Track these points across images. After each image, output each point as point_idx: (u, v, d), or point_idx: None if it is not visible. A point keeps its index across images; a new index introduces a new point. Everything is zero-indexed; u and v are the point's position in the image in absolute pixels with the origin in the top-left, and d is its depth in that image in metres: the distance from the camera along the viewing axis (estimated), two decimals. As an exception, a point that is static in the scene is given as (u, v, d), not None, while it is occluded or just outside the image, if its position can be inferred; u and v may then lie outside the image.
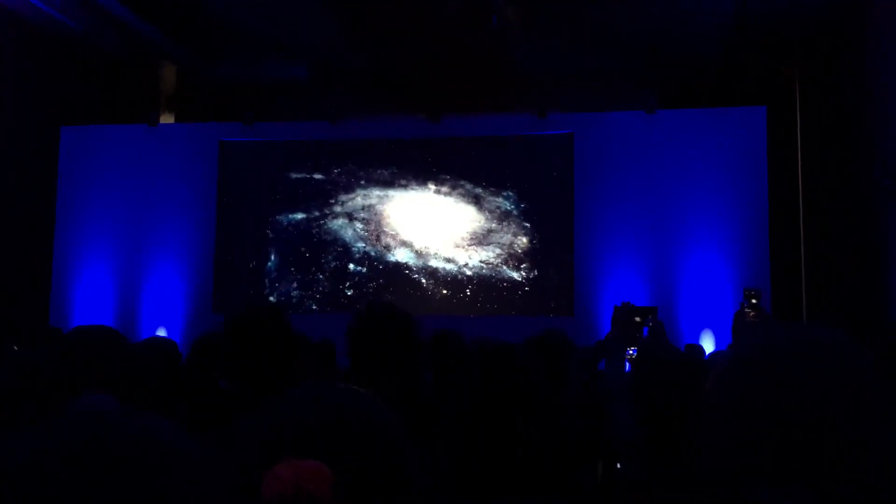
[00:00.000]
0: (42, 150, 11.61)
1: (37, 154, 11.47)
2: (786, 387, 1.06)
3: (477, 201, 10.94)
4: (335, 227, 9.87)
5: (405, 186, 10.39)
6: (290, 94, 12.18)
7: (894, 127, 8.26)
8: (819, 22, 10.00)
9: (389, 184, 10.11)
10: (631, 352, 4.49)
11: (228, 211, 11.78)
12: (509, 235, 11.23)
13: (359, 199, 9.87)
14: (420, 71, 11.34)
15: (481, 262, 11.04)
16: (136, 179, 11.80)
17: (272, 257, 9.78)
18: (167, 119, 12.74)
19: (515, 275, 11.20)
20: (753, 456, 1.05)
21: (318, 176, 9.32)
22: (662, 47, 10.65)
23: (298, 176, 9.37)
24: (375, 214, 10.27)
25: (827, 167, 10.19)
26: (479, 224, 11.06)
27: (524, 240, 11.22)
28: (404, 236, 10.35)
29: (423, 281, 10.66)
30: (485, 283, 11.24)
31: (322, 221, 9.93)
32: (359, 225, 9.83)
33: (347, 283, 9.67)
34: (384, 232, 10.32)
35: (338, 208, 9.67)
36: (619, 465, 2.82)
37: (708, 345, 9.66)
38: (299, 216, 9.77)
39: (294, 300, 10.17)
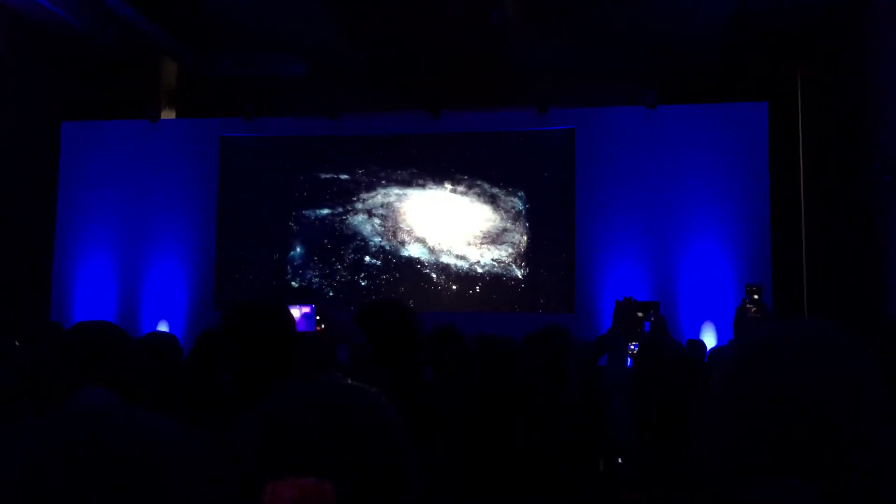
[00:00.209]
0: (43, 146, 11.61)
1: (38, 150, 11.47)
2: (788, 385, 1.05)
3: (492, 200, 11.03)
4: (356, 222, 10.27)
5: (423, 186, 10.66)
6: (291, 90, 12.18)
7: (895, 122, 8.25)
8: (820, 17, 9.98)
9: (408, 183, 10.44)
10: (632, 347, 4.49)
11: (229, 206, 11.78)
12: (509, 232, 11.24)
13: (379, 197, 10.26)
14: (420, 67, 11.33)
15: (492, 259, 11.13)
16: (137, 175, 11.80)
17: (297, 248, 10.16)
18: (168, 115, 12.74)
19: (517, 271, 11.20)
20: (756, 453, 1.04)
21: (343, 176, 9.88)
22: (663, 43, 10.63)
23: (326, 176, 9.92)
24: (393, 211, 10.57)
25: (828, 163, 10.19)
26: (491, 223, 11.13)
27: (525, 236, 11.22)
28: (419, 233, 10.63)
29: (434, 276, 10.90)
30: (486, 280, 11.25)
31: (344, 217, 10.29)
32: (377, 221, 10.22)
33: (362, 274, 10.09)
34: (400, 228, 10.61)
35: (359, 205, 10.11)
36: (619, 461, 2.82)
37: (709, 340, 9.66)
38: (325, 212, 10.18)
39: (314, 287, 10.49)
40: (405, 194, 10.89)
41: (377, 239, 10.48)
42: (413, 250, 10.75)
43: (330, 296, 10.56)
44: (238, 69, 11.93)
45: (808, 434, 1.02)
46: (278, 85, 12.17)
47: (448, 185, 11.08)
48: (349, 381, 0.96)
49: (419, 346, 2.59)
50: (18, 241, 10.82)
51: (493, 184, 11.35)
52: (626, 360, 3.38)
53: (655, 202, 10.69)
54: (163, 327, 11.12)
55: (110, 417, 0.77)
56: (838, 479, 1.01)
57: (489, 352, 2.67)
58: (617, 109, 11.13)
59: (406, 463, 0.91)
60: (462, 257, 11.15)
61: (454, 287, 11.14)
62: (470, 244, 11.23)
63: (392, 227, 10.82)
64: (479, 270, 11.23)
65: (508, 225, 11.27)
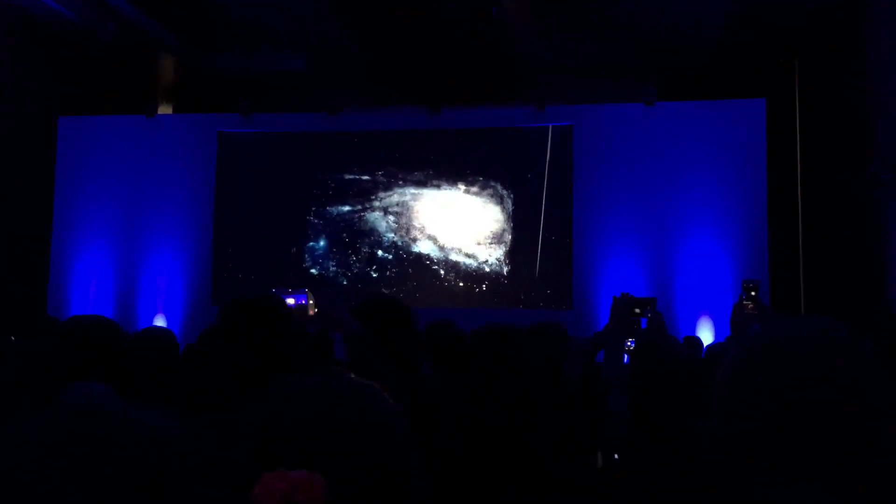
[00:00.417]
0: (40, 141, 11.59)
1: (35, 145, 11.45)
2: (792, 382, 1.05)
3: (492, 197, 11.20)
4: (372, 218, 10.74)
5: (438, 186, 11.00)
6: (289, 86, 12.16)
7: (893, 119, 8.25)
8: (818, 13, 9.98)
9: (423, 183, 10.88)
10: (629, 343, 4.49)
11: (226, 202, 11.77)
12: (507, 229, 11.26)
13: (395, 196, 10.71)
14: (420, 62, 11.32)
15: (491, 256, 11.24)
16: (134, 170, 11.79)
17: (320, 241, 10.66)
18: (165, 110, 12.72)
19: (514, 268, 11.21)
20: (760, 451, 1.04)
21: (365, 177, 10.47)
22: (662, 40, 10.62)
23: (350, 177, 10.49)
24: (407, 209, 10.92)
25: (826, 159, 10.19)
26: (490, 220, 11.23)
27: (523, 233, 11.22)
28: (430, 230, 10.97)
29: (442, 272, 11.14)
30: (485, 276, 11.27)
31: (362, 213, 10.75)
32: (391, 218, 10.68)
33: (374, 266, 10.60)
34: (412, 226, 10.95)
35: (377, 203, 10.60)
36: (616, 456, 2.82)
37: (706, 336, 9.67)
38: (346, 208, 10.67)
39: (330, 275, 10.85)
40: (420, 194, 11.15)
41: (390, 235, 10.89)
42: (423, 247, 11.05)
43: (344, 284, 10.88)
44: (236, 64, 11.91)
45: (813, 432, 1.02)
46: (276, 80, 12.15)
47: (462, 186, 11.27)
48: (349, 377, 0.96)
49: (415, 341, 2.59)
50: (15, 236, 10.81)
51: (492, 180, 11.36)
52: (623, 356, 3.38)
53: (653, 198, 10.69)
54: (159, 320, 11.13)
55: (106, 411, 0.77)
56: (843, 477, 1.01)
57: (486, 338, 2.67)
58: (615, 106, 11.13)
59: (406, 459, 0.91)
60: (468, 254, 11.28)
61: (459, 283, 11.25)
62: (471, 241, 11.28)
63: (405, 224, 11.07)
64: (479, 267, 11.27)
65: (506, 222, 11.28)
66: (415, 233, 11.08)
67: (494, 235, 11.30)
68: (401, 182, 10.98)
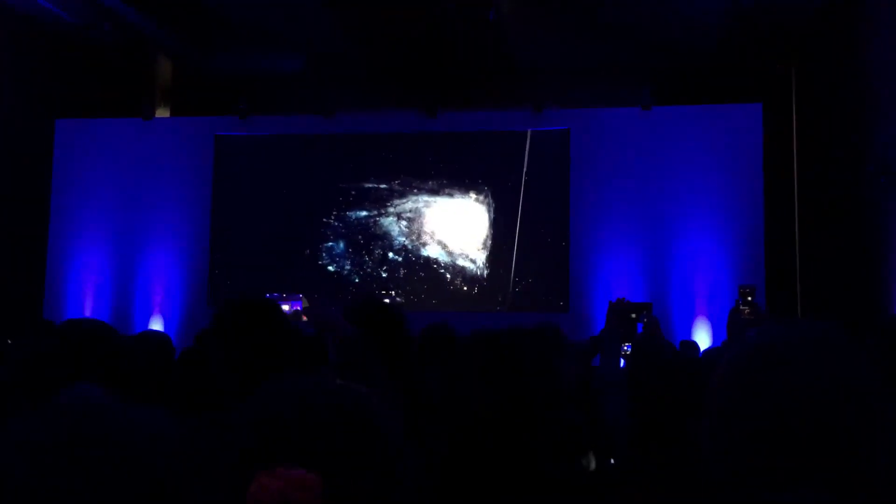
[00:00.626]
0: (37, 144, 11.58)
1: (31, 147, 11.44)
2: (789, 385, 1.05)
3: (488, 201, 11.35)
4: (386, 223, 11.22)
5: (451, 195, 11.33)
6: (286, 88, 12.16)
7: (889, 123, 8.27)
8: (815, 19, 10.01)
9: (436, 191, 11.33)
10: (625, 348, 4.50)
11: (223, 204, 11.77)
12: (503, 233, 11.28)
13: (409, 203, 11.17)
14: (417, 65, 11.33)
15: (488, 259, 11.35)
16: (131, 173, 11.78)
17: (340, 243, 11.16)
18: (162, 113, 12.71)
19: (510, 271, 11.22)
20: (758, 454, 1.04)
21: (382, 185, 11.06)
22: (659, 44, 10.65)
23: (369, 185, 11.05)
24: (419, 216, 11.31)
25: (822, 164, 10.20)
26: (487, 222, 11.35)
27: (519, 237, 11.23)
28: (437, 235, 11.35)
29: (448, 276, 11.39)
30: (482, 280, 11.29)
31: (378, 218, 11.22)
32: (404, 223, 11.17)
33: (385, 268, 11.06)
34: (423, 231, 11.32)
35: (391, 209, 11.13)
36: (612, 461, 2.82)
37: (703, 341, 9.67)
38: (363, 213, 11.14)
39: (345, 273, 11.22)
40: (432, 201, 11.44)
41: (402, 238, 11.29)
42: (430, 251, 11.38)
43: (356, 282, 11.22)
44: (233, 67, 11.91)
45: (810, 434, 1.02)
46: (274, 83, 12.15)
47: (458, 189, 11.45)
48: (339, 380, 0.95)
49: (409, 344, 2.59)
50: (12, 239, 10.80)
51: (489, 184, 11.38)
52: (620, 361, 3.38)
53: (650, 203, 10.70)
54: (156, 324, 11.12)
55: (102, 413, 0.77)
56: (840, 479, 1.01)
57: (481, 342, 2.67)
58: (612, 110, 11.14)
59: (397, 462, 0.91)
60: (470, 259, 11.38)
61: (462, 286, 11.34)
62: (471, 246, 11.34)
63: (416, 229, 11.39)
64: (477, 270, 11.30)
65: (504, 225, 11.30)
66: (425, 237, 11.37)
67: (491, 239, 11.31)
68: (415, 190, 11.32)
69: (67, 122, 12.04)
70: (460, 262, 11.37)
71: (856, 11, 9.27)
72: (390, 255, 11.35)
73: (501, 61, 11.07)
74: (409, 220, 11.36)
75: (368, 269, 11.28)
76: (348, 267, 11.33)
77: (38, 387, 2.11)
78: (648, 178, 10.74)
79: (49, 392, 2.06)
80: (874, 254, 8.59)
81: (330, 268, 11.42)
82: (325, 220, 11.52)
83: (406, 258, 11.33)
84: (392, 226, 11.33)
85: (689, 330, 10.22)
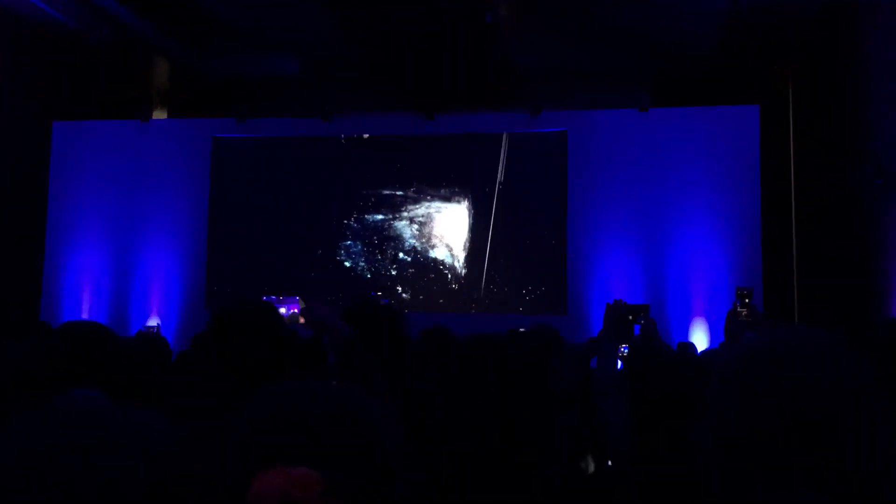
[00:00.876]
0: (34, 146, 11.57)
1: (28, 149, 11.43)
2: (787, 389, 1.05)
3: (485, 203, 11.44)
4: (400, 226, 11.54)
5: (460, 202, 11.54)
6: (284, 91, 12.16)
7: (886, 125, 8.28)
8: (812, 20, 10.02)
9: (447, 199, 11.60)
10: (623, 349, 4.50)
11: (221, 206, 11.77)
12: (501, 235, 11.30)
13: (422, 209, 11.50)
14: (414, 68, 11.34)
15: (486, 260, 11.36)
16: (129, 175, 11.77)
17: (360, 245, 11.50)
18: (160, 115, 12.71)
19: (508, 273, 11.23)
20: (758, 458, 1.04)
21: (399, 192, 11.45)
22: (656, 46, 10.66)
23: (387, 192, 11.44)
24: (430, 220, 11.56)
25: (820, 166, 10.22)
26: (485, 224, 11.42)
27: (516, 239, 11.24)
28: (446, 239, 11.59)
29: (449, 275, 11.56)
30: (480, 281, 11.30)
31: (393, 222, 11.54)
32: (415, 226, 11.51)
33: (395, 266, 11.41)
34: (434, 235, 11.57)
35: (405, 213, 11.50)
36: (609, 463, 2.82)
37: (700, 342, 9.68)
38: (380, 217, 11.46)
39: (359, 269, 11.48)
40: (446, 207, 11.60)
41: (412, 241, 11.56)
42: (437, 253, 11.59)
43: (368, 277, 11.50)
44: (231, 69, 11.91)
45: (810, 439, 1.02)
46: (271, 85, 12.15)
47: (455, 191, 11.57)
48: (335, 383, 0.96)
49: (407, 346, 2.59)
50: (9, 241, 10.78)
51: (486, 186, 11.39)
52: (617, 363, 3.38)
53: (647, 204, 10.71)
54: (154, 322, 11.13)
55: (99, 417, 0.77)
56: (836, 482, 1.01)
57: (475, 345, 2.66)
58: (610, 112, 11.15)
59: (395, 462, 0.91)
60: (469, 260, 11.43)
61: (461, 287, 11.41)
62: (470, 247, 11.37)
63: (428, 232, 11.58)
64: (475, 272, 11.32)
65: (501, 227, 11.31)
66: (434, 240, 11.57)
67: (490, 241, 11.32)
68: (429, 197, 11.55)
69: (65, 125, 12.03)
70: (457, 262, 11.42)
71: (853, 13, 9.28)
72: (400, 255, 11.62)
73: (498, 64, 11.07)
74: (421, 224, 11.62)
75: (379, 267, 11.58)
76: (362, 263, 11.62)
77: (35, 389, 2.10)
78: (646, 180, 10.75)
79: (47, 394, 2.06)
80: (871, 256, 8.60)
81: (346, 263, 11.65)
82: (355, 223, 11.67)
83: (415, 259, 11.58)
84: (405, 229, 11.65)
85: (686, 331, 10.23)
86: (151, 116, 12.16)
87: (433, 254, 11.51)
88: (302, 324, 2.19)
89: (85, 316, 11.18)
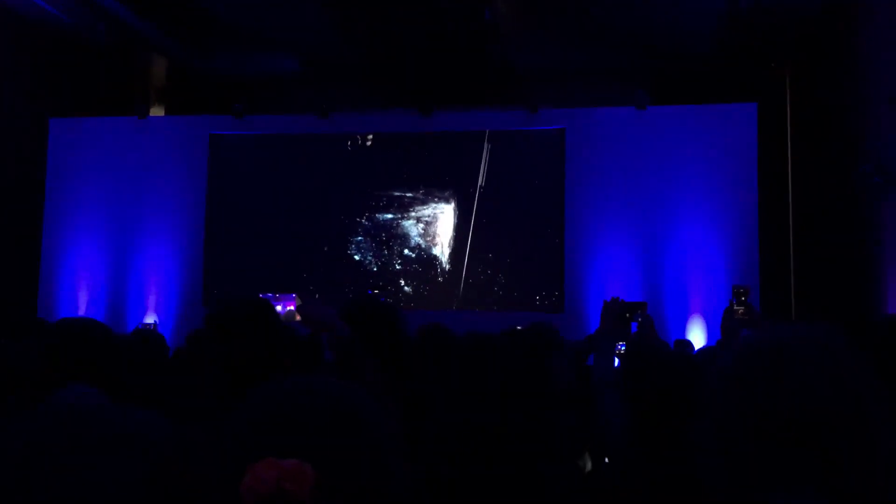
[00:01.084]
0: (31, 143, 11.55)
1: (25, 146, 11.41)
2: (786, 386, 1.05)
3: (483, 201, 11.49)
4: (407, 225, 11.71)
5: (458, 200, 11.71)
6: (281, 88, 12.16)
7: (884, 124, 8.28)
8: (810, 19, 10.03)
9: (446, 197, 11.79)
10: (620, 347, 4.50)
11: (219, 204, 11.76)
12: (499, 232, 11.31)
13: (429, 210, 11.68)
14: (412, 65, 11.34)
15: (484, 259, 11.39)
16: (126, 172, 11.76)
17: (371, 242, 11.72)
18: (157, 112, 12.70)
19: (506, 271, 11.24)
20: (757, 456, 1.04)
21: (409, 194, 11.66)
22: (654, 44, 10.66)
23: (398, 193, 11.66)
24: (435, 220, 11.69)
25: (817, 164, 10.23)
26: (484, 223, 11.46)
27: (514, 237, 11.25)
28: (446, 237, 11.68)
29: (449, 273, 11.66)
30: (479, 279, 11.31)
31: (401, 221, 11.72)
32: (421, 226, 11.68)
33: (399, 260, 11.61)
34: (437, 234, 11.69)
35: (413, 214, 11.69)
36: (606, 461, 2.82)
37: (697, 340, 9.69)
38: (389, 216, 11.66)
39: (367, 262, 11.62)
40: (445, 204, 11.68)
41: (418, 239, 11.70)
42: (439, 251, 11.70)
43: (374, 270, 11.61)
44: (229, 66, 11.91)
45: (809, 436, 1.02)
46: (269, 82, 12.15)
47: (455, 189, 11.64)
48: (333, 379, 0.95)
49: (405, 343, 2.59)
50: (5, 238, 10.77)
51: (486, 183, 11.39)
52: (614, 360, 3.38)
53: (645, 202, 10.71)
54: (151, 318, 11.12)
55: (96, 414, 0.77)
56: (836, 479, 1.01)
57: (471, 344, 2.66)
58: (607, 110, 11.14)
59: (390, 458, 0.91)
60: (468, 259, 11.46)
61: (460, 285, 11.42)
62: (469, 246, 11.39)
63: (433, 231, 11.69)
64: (474, 270, 11.33)
65: (499, 225, 11.31)
66: (438, 239, 11.68)
67: (488, 239, 11.34)
68: (435, 199, 11.67)
69: (62, 121, 12.01)
70: (458, 261, 11.46)
71: (851, 12, 9.29)
72: (405, 251, 11.76)
73: (497, 61, 11.06)
74: (427, 223, 11.76)
75: (385, 261, 11.77)
76: (371, 257, 11.80)
77: (32, 386, 2.10)
78: (643, 178, 10.75)
79: (44, 391, 2.06)
80: (868, 254, 8.61)
81: (356, 257, 11.78)
82: (367, 221, 11.78)
83: (419, 255, 11.72)
84: (411, 228, 11.82)
85: (683, 329, 10.23)
86: (149, 113, 12.14)
87: (435, 251, 11.55)
88: (298, 321, 2.18)
89: (82, 313, 11.17)
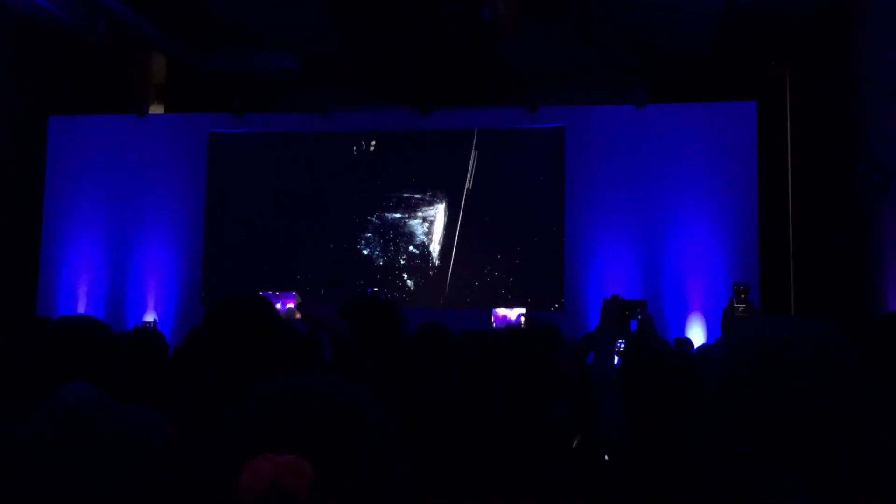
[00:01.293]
0: (30, 140, 11.55)
1: (25, 144, 11.41)
2: (783, 381, 1.05)
3: (483, 199, 11.52)
4: (414, 224, 11.81)
5: (456, 199, 11.82)
6: (281, 86, 12.16)
7: (883, 122, 8.29)
8: (809, 17, 10.02)
9: (446, 195, 11.89)
10: (619, 345, 4.50)
11: (218, 201, 11.76)
12: (498, 230, 11.32)
13: (433, 210, 11.78)
14: (411, 64, 11.33)
15: (483, 257, 11.41)
16: (125, 170, 11.76)
17: (380, 240, 11.86)
18: (156, 110, 12.69)
19: (505, 269, 11.25)
20: (753, 451, 1.04)
21: (417, 195, 11.79)
22: (653, 42, 10.65)
23: (407, 194, 11.76)
24: (435, 218, 11.81)
25: (816, 162, 10.23)
26: (483, 221, 11.49)
27: (514, 234, 11.25)
28: (447, 235, 11.75)
29: (450, 270, 11.76)
30: (478, 277, 11.32)
31: (408, 220, 11.83)
32: (426, 224, 11.78)
33: (404, 256, 11.75)
34: (437, 232, 11.78)
35: (420, 214, 11.82)
36: (606, 458, 2.82)
37: (697, 338, 9.69)
38: (398, 215, 11.78)
39: (374, 258, 11.65)
40: (444, 203, 11.77)
41: (423, 237, 11.82)
42: (440, 249, 11.76)
43: (380, 265, 11.74)
44: (228, 64, 11.90)
45: (805, 431, 1.02)
46: (269, 81, 12.15)
47: (454, 187, 11.69)
48: (332, 377, 0.95)
49: (404, 341, 2.59)
50: (5, 236, 10.77)
51: (486, 181, 11.41)
52: (613, 358, 3.38)
53: (644, 200, 10.71)
54: (150, 317, 11.12)
55: (95, 412, 0.77)
56: (835, 476, 1.01)
57: (471, 341, 2.66)
58: (607, 108, 11.14)
59: (389, 460, 0.91)
60: (467, 257, 11.50)
61: (460, 282, 11.47)
62: (468, 244, 11.39)
63: (433, 230, 11.78)
64: (474, 268, 11.34)
65: (498, 223, 11.32)
66: (439, 237, 11.73)
67: (488, 237, 11.34)
68: (436, 197, 11.75)
69: (61, 119, 12.01)
70: (459, 259, 11.49)
71: (850, 10, 9.29)
72: (410, 248, 11.84)
73: (496, 59, 11.06)
74: (430, 223, 11.84)
75: (390, 257, 11.86)
76: (378, 252, 11.92)
77: (31, 383, 2.10)
78: (643, 176, 10.75)
79: (42, 389, 2.05)
80: (867, 252, 8.61)
81: (364, 251, 11.88)
82: (376, 220, 11.83)
83: (422, 252, 11.77)
84: (417, 227, 11.93)
85: (683, 327, 10.24)
86: (148, 111, 12.14)
87: (436, 249, 11.57)
88: (298, 319, 2.17)
89: (81, 311, 11.17)
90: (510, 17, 10.10)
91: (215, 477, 0.80)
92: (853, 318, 8.14)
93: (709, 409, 1.11)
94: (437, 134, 11.54)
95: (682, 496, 2.13)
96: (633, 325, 4.04)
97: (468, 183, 11.48)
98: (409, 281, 11.61)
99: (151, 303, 11.48)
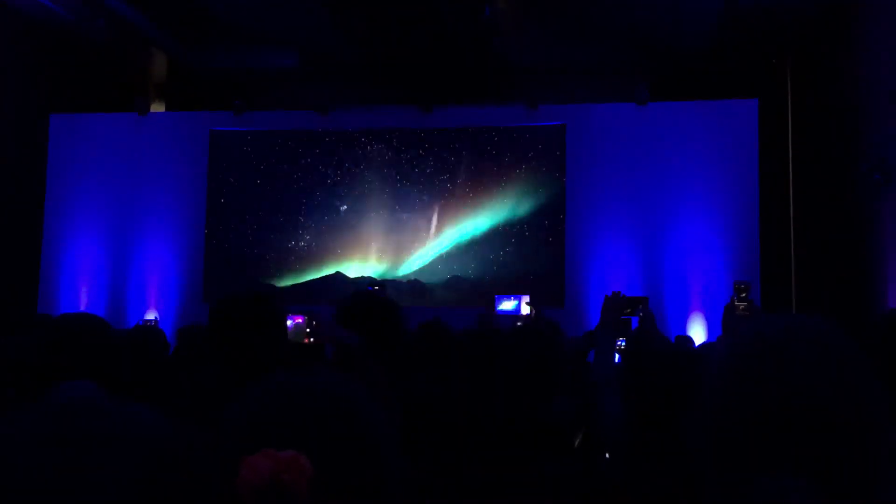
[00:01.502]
0: (31, 139, 11.55)
1: (26, 142, 11.40)
2: (784, 378, 1.05)
3: (485, 198, 11.47)
4: (414, 221, 11.73)
5: (456, 197, 11.69)
6: (281, 84, 12.16)
7: (884, 120, 8.28)
8: (810, 15, 10.01)
9: (445, 193, 11.77)
10: (620, 342, 4.49)
11: (218, 199, 11.76)
12: (498, 229, 11.31)
13: (433, 208, 11.71)
14: (412, 61, 11.32)
15: (483, 255, 11.38)
16: (126, 168, 11.76)
17: (380, 238, 11.75)
18: (157, 108, 12.69)
19: (506, 267, 11.25)
20: (751, 448, 1.04)
21: (417, 193, 11.72)
22: (654, 40, 10.65)
23: (407, 192, 11.69)
24: (435, 216, 11.76)
25: (817, 160, 10.22)
26: (483, 220, 11.49)
27: (515, 232, 11.25)
28: (448, 233, 11.73)
29: (454, 267, 11.67)
30: (477, 275, 11.31)
31: (409, 218, 11.75)
32: (427, 222, 11.72)
33: (404, 254, 11.67)
34: (436, 229, 11.73)
35: (420, 211, 11.75)
36: (606, 456, 2.82)
37: (698, 336, 9.69)
38: (398, 213, 11.71)
39: (374, 256, 11.49)
40: (444, 201, 11.68)
41: (423, 234, 11.76)
42: (439, 247, 11.73)
43: (380, 263, 11.71)
44: (229, 63, 11.89)
45: (805, 429, 1.02)
46: (269, 79, 12.14)
47: (454, 185, 11.61)
48: (333, 376, 0.95)
49: (405, 340, 2.58)
50: (6, 234, 10.77)
51: (487, 180, 11.40)
52: (614, 356, 3.38)
53: (645, 198, 10.71)
54: (151, 315, 11.13)
55: (96, 409, 0.77)
56: (835, 474, 1.01)
57: (473, 339, 2.66)
58: (608, 106, 11.13)
59: (388, 458, 0.91)
60: (467, 255, 11.47)
61: (460, 280, 11.46)
62: (468, 243, 11.41)
63: (436, 228, 11.72)
64: (474, 266, 11.34)
65: (499, 221, 11.31)
66: (438, 234, 11.70)
67: (488, 235, 11.34)
68: (440, 197, 11.68)
69: (62, 117, 12.00)
70: (458, 256, 11.48)
71: (851, 9, 9.28)
72: (411, 246, 11.79)
73: (497, 57, 11.05)
74: (427, 219, 11.80)
75: (391, 256, 11.79)
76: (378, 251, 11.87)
77: (32, 381, 2.10)
78: (644, 174, 10.74)
79: (43, 386, 2.05)
80: (868, 250, 8.61)
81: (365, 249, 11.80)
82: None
83: (423, 251, 11.74)
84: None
85: (684, 325, 10.23)
86: (149, 109, 12.14)
87: (433, 245, 11.55)
88: (307, 335, 2.20)
89: (82, 309, 11.17)
90: (511, 14, 10.09)
91: (216, 475, 0.80)
92: (854, 316, 8.14)
93: (708, 407, 1.11)
94: (437, 132, 11.53)
95: (682, 494, 2.13)
96: (635, 322, 4.04)
97: (468, 181, 11.46)
98: (409, 279, 11.59)
99: (152, 301, 11.48)
